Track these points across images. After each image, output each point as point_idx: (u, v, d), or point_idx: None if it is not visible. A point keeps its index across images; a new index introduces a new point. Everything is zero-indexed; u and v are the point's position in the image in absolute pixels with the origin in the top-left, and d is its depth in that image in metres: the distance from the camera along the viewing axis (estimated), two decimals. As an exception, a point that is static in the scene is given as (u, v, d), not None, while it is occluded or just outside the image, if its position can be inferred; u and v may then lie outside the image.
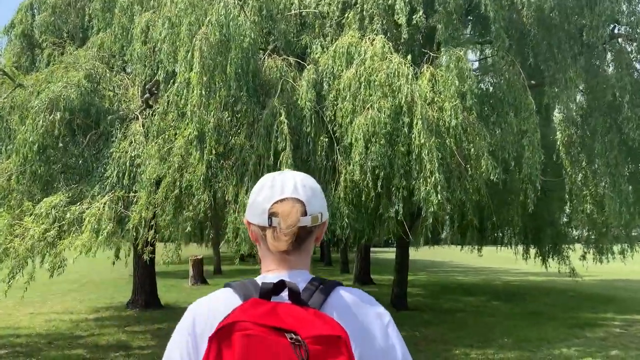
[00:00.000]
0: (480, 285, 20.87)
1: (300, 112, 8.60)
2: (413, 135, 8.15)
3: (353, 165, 7.87)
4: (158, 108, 8.62)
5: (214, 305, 1.20)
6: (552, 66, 10.38)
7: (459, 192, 8.89)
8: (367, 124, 8.06)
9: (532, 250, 18.11)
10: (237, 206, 7.92)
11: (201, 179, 8.00)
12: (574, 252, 17.57)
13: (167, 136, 8.30)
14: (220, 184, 8.14)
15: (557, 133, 11.08)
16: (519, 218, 11.77)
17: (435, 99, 8.46)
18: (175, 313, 13.04)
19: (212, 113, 7.97)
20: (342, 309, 1.20)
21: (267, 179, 1.29)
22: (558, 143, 10.69)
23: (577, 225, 15.47)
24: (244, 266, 23.28)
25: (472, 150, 8.95)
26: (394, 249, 16.20)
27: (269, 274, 1.24)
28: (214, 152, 7.96)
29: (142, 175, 8.00)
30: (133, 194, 8.15)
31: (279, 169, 7.85)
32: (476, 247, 19.59)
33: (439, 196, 7.92)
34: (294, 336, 1.03)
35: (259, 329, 1.03)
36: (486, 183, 9.55)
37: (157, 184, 8.32)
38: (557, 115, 11.94)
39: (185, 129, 8.17)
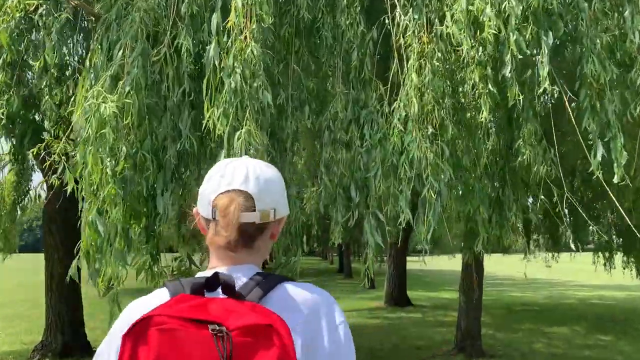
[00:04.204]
0: (555, 307, 15.16)
1: None
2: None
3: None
4: None
5: (142, 304, 1.03)
6: None
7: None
8: None
9: (618, 257, 13.78)
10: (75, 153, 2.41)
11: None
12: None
13: None
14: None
15: None
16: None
17: None
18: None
19: None
20: (285, 302, 1.00)
21: (220, 166, 1.09)
22: None
23: None
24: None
25: None
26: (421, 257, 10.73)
27: (210, 271, 1.04)
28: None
29: None
30: None
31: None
32: (547, 254, 14.52)
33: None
34: (217, 327, 0.86)
35: (176, 322, 0.87)
36: None
37: None
38: None
39: None
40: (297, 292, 1.02)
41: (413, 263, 17.25)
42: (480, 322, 8.69)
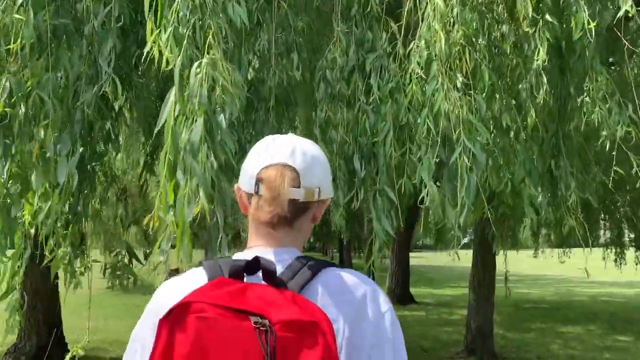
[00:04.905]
0: (566, 304, 14.43)
1: None
2: None
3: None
4: None
5: (176, 286, 0.97)
6: None
7: None
8: None
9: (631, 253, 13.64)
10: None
11: None
12: None
13: None
14: None
15: None
16: None
17: None
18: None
19: None
20: (330, 290, 0.94)
21: (265, 141, 1.05)
22: None
23: None
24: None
25: None
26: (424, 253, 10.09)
27: (250, 251, 1.01)
28: None
29: None
30: None
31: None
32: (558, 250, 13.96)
33: None
34: (260, 320, 0.81)
35: (216, 310, 0.82)
36: None
37: None
38: None
39: None
40: (340, 280, 0.96)
41: (413, 259, 16.52)
42: (492, 321, 7.96)
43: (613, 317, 11.90)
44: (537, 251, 13.95)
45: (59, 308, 7.71)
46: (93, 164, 2.04)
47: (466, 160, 1.95)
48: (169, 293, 0.95)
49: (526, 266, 25.65)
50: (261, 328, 0.80)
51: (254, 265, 0.90)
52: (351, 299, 0.93)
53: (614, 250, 13.49)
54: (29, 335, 7.43)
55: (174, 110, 1.63)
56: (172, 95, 1.67)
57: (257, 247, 0.99)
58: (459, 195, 1.96)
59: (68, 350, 7.76)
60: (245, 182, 1.01)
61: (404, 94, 2.25)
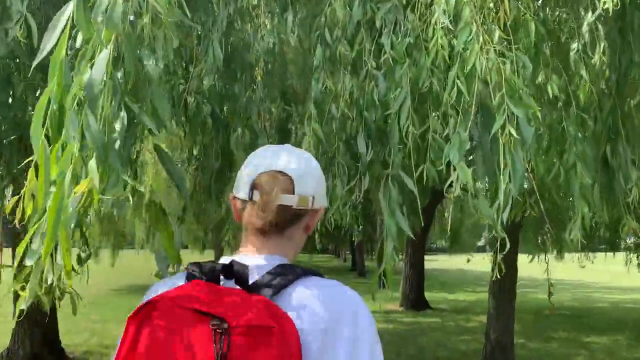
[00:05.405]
0: (587, 311, 13.72)
1: None
2: None
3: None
4: None
5: (162, 288, 0.99)
6: None
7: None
8: None
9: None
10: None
11: None
12: None
13: None
14: None
15: None
16: None
17: None
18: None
19: None
20: (302, 301, 0.91)
21: (261, 149, 1.08)
22: None
23: None
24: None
25: None
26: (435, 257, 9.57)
27: (235, 255, 1.01)
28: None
29: None
30: None
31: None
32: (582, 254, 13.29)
33: None
34: (216, 323, 0.83)
35: (179, 310, 0.85)
36: None
37: None
38: None
39: None
40: (319, 290, 0.93)
41: (426, 262, 15.89)
42: (513, 331, 7.40)
43: (639, 326, 11.22)
44: (560, 254, 13.30)
45: (54, 312, 7.30)
46: (11, 137, 1.58)
47: (513, 132, 1.41)
48: (154, 293, 0.94)
49: (542, 271, 24.85)
50: (217, 330, 0.80)
51: (230, 269, 0.91)
52: (327, 311, 0.89)
53: (637, 255, 12.86)
54: (22, 339, 7.03)
55: (68, 31, 1.08)
56: (68, 9, 1.12)
57: (243, 253, 0.99)
58: (501, 181, 1.43)
59: (65, 354, 7.37)
60: (239, 188, 1.01)
61: (426, 53, 1.73)
